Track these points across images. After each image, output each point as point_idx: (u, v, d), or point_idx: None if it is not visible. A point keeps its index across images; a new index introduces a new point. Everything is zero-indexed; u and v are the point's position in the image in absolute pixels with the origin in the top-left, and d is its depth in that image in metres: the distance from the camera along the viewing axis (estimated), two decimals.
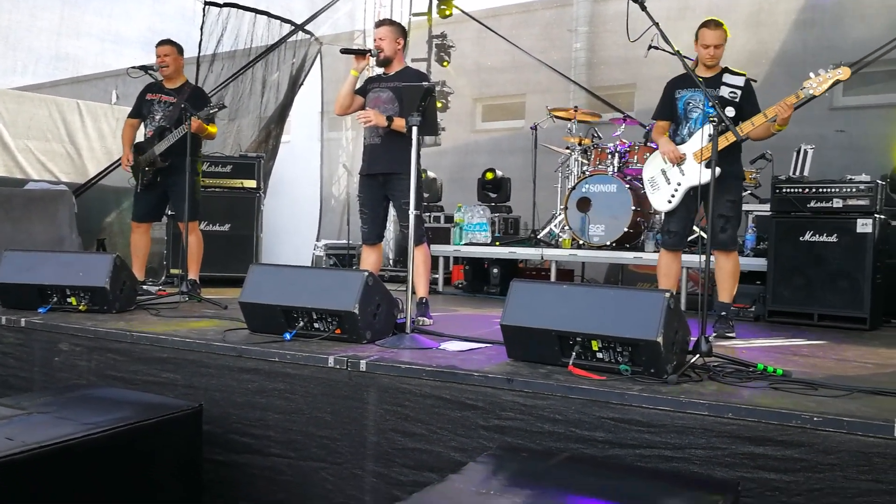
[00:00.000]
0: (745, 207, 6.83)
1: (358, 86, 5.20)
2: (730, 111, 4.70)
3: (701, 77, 4.82)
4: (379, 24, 5.29)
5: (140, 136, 6.28)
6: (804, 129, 7.68)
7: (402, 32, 5.23)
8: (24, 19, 7.21)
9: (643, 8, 4.36)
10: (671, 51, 4.54)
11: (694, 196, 4.87)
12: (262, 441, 3.74)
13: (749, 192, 6.95)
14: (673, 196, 4.94)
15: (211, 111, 5.86)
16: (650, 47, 4.76)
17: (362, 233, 5.34)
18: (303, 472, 3.63)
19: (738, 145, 4.84)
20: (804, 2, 9.05)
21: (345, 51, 5.20)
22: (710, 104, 4.16)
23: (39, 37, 7.42)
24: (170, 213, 6.73)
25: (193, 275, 6.15)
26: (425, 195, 9.83)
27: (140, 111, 6.23)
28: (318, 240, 9.76)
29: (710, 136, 4.58)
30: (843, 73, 4.45)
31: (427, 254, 5.23)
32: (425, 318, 5.04)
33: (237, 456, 3.79)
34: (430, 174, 10.22)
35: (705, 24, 4.83)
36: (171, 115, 6.02)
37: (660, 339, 3.15)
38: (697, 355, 3.49)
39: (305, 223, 10.00)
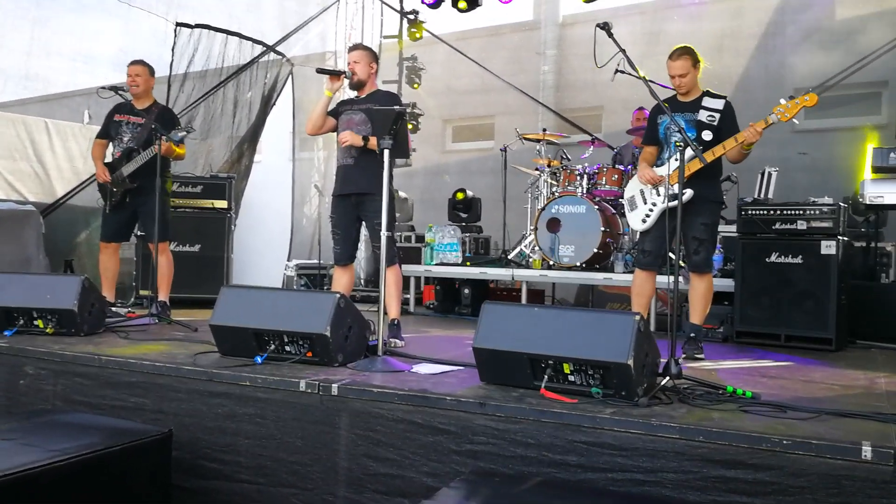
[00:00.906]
0: None
1: (330, 107, 5.24)
2: (707, 135, 4.78)
3: (683, 101, 4.93)
4: (353, 47, 5.39)
5: (108, 157, 6.22)
6: (768, 151, 7.81)
7: (375, 57, 5.34)
8: None
9: (609, 34, 4.44)
10: (637, 75, 4.63)
11: (670, 217, 4.95)
12: (232, 467, 3.70)
13: None
14: (647, 216, 5.01)
15: (180, 134, 5.83)
16: (616, 71, 4.86)
17: (334, 253, 5.34)
18: (273, 498, 3.59)
19: (715, 169, 4.91)
20: (765, 28, 9.25)
21: (320, 71, 5.22)
22: (677, 129, 4.23)
23: (9, 56, 7.35)
24: (139, 233, 6.66)
25: (164, 296, 6.09)
26: (397, 215, 9.86)
27: (108, 132, 6.18)
28: (289, 260, 9.71)
29: (686, 159, 4.72)
30: (811, 99, 4.56)
31: (399, 275, 5.24)
32: (397, 340, 5.04)
33: (206, 482, 3.74)
34: (402, 194, 10.23)
35: (670, 55, 4.90)
36: (140, 137, 5.98)
37: (630, 362, 3.18)
38: (667, 377, 3.53)
39: (276, 243, 9.94)
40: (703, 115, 4.84)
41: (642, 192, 5.08)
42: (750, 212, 5.87)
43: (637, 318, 3.29)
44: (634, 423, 2.97)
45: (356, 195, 5.14)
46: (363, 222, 5.27)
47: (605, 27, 4.52)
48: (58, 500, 2.97)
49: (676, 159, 4.06)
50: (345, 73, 5.14)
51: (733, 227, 6.24)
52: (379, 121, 4.56)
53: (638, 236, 5.35)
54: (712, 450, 2.82)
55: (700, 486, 2.82)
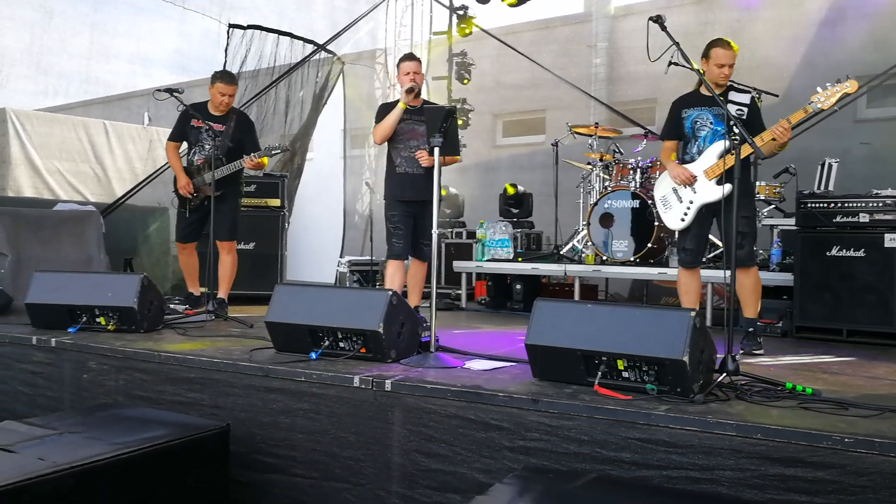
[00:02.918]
0: (770, 222, 6.80)
1: (378, 113, 5.53)
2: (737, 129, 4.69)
3: (708, 95, 4.83)
4: (410, 58, 5.54)
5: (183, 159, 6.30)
6: (828, 142, 7.62)
7: None
8: (54, 45, 7.37)
9: (662, 27, 4.37)
10: (691, 67, 4.56)
11: (706, 213, 4.89)
12: (286, 461, 3.76)
13: (774, 206, 6.90)
14: (685, 214, 4.92)
15: (273, 153, 5.99)
16: (670, 63, 4.77)
17: (396, 247, 5.49)
18: (326, 493, 3.64)
19: (748, 162, 4.82)
20: (825, 14, 8.99)
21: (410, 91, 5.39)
22: (732, 123, 4.14)
23: (70, 61, 7.57)
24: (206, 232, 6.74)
25: (223, 294, 6.17)
26: (447, 211, 9.91)
27: (184, 135, 6.17)
28: (341, 256, 9.80)
29: (720, 154, 4.71)
30: (851, 85, 4.45)
31: None
32: None
33: (261, 476, 3.81)
34: (453, 191, 10.26)
35: (718, 44, 4.78)
36: (223, 145, 5.96)
37: (685, 359, 3.14)
38: (724, 374, 3.47)
39: (329, 240, 10.05)
40: (732, 109, 4.73)
41: (675, 191, 5.00)
42: (809, 204, 5.73)
43: (693, 313, 3.25)
44: (690, 420, 2.93)
45: (423, 201, 5.35)
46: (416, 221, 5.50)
47: (658, 20, 4.45)
48: (122, 490, 3.05)
49: (719, 154, 3.94)
50: (415, 87, 5.39)
51: (792, 221, 6.10)
52: (429, 119, 4.59)
53: (677, 235, 5.27)
54: (771, 447, 2.77)
55: (758, 485, 2.77)
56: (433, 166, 5.16)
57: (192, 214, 6.20)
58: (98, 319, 5.00)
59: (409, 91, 5.34)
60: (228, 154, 5.95)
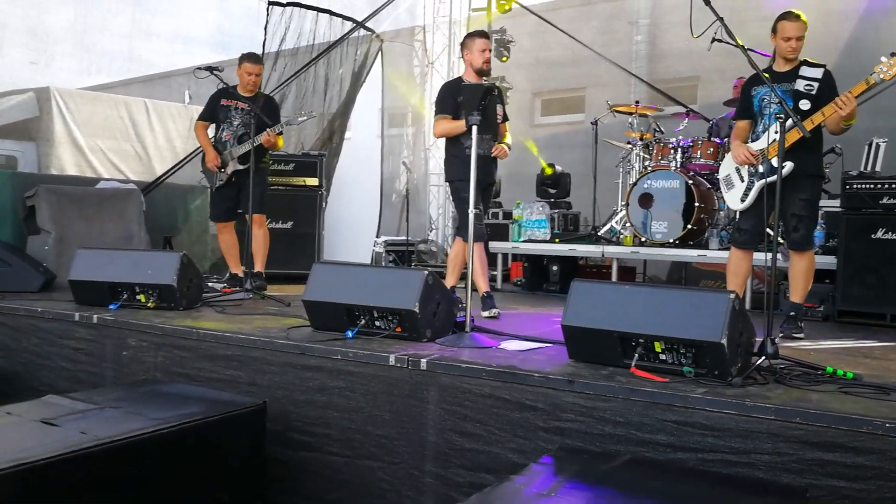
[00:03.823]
0: None
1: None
2: (804, 104, 4.54)
3: (779, 71, 4.69)
4: (483, 35, 5.55)
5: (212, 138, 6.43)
6: (876, 121, 7.41)
7: None
8: (96, 23, 7.46)
9: (706, 2, 4.26)
10: (735, 44, 4.43)
11: (768, 193, 4.73)
12: (322, 439, 3.79)
13: None
14: (746, 194, 4.80)
15: (300, 119, 6.27)
16: (713, 40, 4.65)
17: (482, 228, 5.51)
18: (360, 471, 3.67)
19: (815, 141, 4.66)
20: None
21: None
22: (777, 101, 4.04)
23: (112, 39, 7.67)
24: (238, 210, 6.85)
25: (259, 267, 6.26)
26: None
27: (214, 115, 6.37)
28: (377, 236, 9.83)
29: (775, 132, 4.51)
30: None
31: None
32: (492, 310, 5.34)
33: (296, 454, 3.85)
34: None
35: (785, 17, 4.63)
36: (250, 122, 6.12)
37: (724, 341, 3.10)
38: (763, 357, 3.41)
39: (366, 219, 10.08)
40: (800, 85, 4.60)
41: (738, 170, 4.87)
42: (855, 186, 5.60)
43: (732, 296, 3.19)
44: (727, 403, 2.89)
45: (488, 183, 5.52)
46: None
47: None
48: (161, 464, 3.11)
49: (776, 131, 3.89)
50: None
51: (836, 202, 5.97)
52: (467, 97, 4.55)
53: (738, 215, 5.15)
54: (809, 432, 2.73)
55: (796, 469, 2.73)
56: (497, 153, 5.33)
57: (220, 192, 6.35)
58: (138, 297, 5.08)
59: (485, 74, 5.39)
60: (256, 130, 6.09)
